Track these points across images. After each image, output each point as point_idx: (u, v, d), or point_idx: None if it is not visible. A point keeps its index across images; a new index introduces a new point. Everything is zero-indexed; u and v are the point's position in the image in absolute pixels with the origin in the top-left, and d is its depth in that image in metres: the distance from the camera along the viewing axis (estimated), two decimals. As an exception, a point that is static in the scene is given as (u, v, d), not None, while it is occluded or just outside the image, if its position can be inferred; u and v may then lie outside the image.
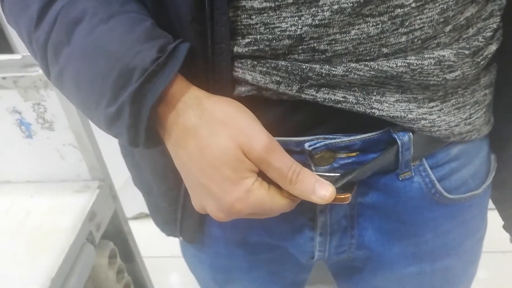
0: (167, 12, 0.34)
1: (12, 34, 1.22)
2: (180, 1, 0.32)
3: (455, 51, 0.34)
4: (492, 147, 0.44)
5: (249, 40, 0.33)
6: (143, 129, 0.32)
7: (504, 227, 0.49)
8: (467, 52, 0.34)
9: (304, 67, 0.33)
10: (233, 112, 0.33)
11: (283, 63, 0.33)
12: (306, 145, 0.36)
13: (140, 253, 0.89)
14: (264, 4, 0.31)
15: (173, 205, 0.45)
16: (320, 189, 0.34)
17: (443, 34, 0.34)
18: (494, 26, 0.36)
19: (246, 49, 0.33)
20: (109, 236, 0.78)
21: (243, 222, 0.40)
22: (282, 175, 0.33)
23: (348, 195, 0.35)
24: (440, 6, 0.32)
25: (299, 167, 0.34)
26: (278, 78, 0.34)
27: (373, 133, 0.36)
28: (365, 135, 0.36)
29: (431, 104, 0.36)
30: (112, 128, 0.34)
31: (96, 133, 0.71)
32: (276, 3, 0.31)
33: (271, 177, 0.34)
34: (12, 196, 0.74)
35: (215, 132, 0.32)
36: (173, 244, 0.57)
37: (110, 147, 0.73)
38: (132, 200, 1.05)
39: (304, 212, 0.42)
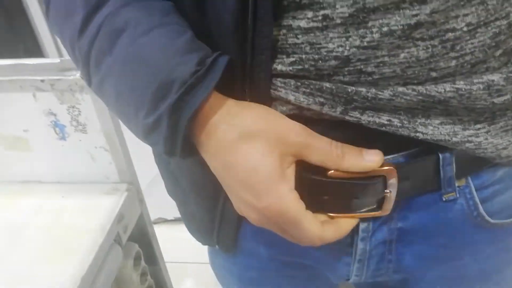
0: (208, 23, 0.34)
1: (44, 39, 1.26)
2: (223, 10, 0.32)
3: (505, 75, 0.33)
4: None
5: (294, 59, 0.33)
6: (180, 141, 0.32)
7: None
8: None
9: (349, 90, 0.32)
10: (262, 114, 0.34)
11: (327, 85, 0.33)
12: None
13: (163, 257, 0.90)
14: (311, 24, 0.31)
15: (211, 214, 0.45)
16: (369, 155, 0.34)
17: (493, 59, 0.33)
18: None
19: (291, 68, 0.33)
20: (134, 239, 0.79)
21: (278, 241, 0.39)
22: (328, 153, 0.33)
23: (391, 166, 0.35)
24: (493, 30, 0.32)
25: (339, 143, 0.34)
26: (322, 100, 0.33)
27: (415, 149, 0.36)
28: (407, 152, 0.36)
29: (478, 126, 0.35)
30: (149, 138, 0.35)
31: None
32: (324, 24, 0.31)
33: (317, 161, 0.33)
34: (43, 196, 0.75)
35: (247, 141, 0.32)
36: (189, 250, 0.58)
37: (133, 153, 0.74)
38: (152, 206, 1.07)
39: (342, 239, 0.40)
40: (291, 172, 0.34)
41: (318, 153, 0.33)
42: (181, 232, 0.56)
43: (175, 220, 1.54)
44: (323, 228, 0.35)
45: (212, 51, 0.33)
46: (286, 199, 0.33)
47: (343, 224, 0.36)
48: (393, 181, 0.35)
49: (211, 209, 0.45)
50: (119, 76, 0.34)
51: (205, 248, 0.55)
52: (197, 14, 0.35)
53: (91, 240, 0.65)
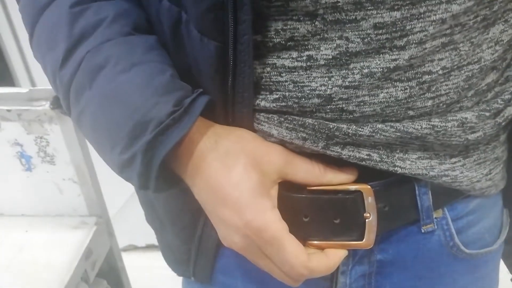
0: (189, 62, 0.35)
1: (16, 68, 1.22)
2: (203, 54, 0.33)
3: (477, 113, 0.35)
4: (504, 203, 0.45)
5: (277, 96, 0.33)
6: (153, 178, 0.33)
7: None
8: (487, 114, 0.36)
9: (331, 126, 0.33)
10: (246, 136, 0.35)
11: (310, 121, 0.33)
12: None
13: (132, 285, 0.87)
14: (296, 64, 0.32)
15: (187, 245, 0.44)
16: (347, 169, 0.36)
17: (466, 99, 0.35)
18: (511, 89, 0.37)
19: (274, 104, 0.34)
20: (103, 274, 0.76)
21: (255, 274, 0.39)
22: (310, 168, 0.35)
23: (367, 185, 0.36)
24: (466, 73, 0.33)
25: (318, 162, 0.35)
26: (304, 135, 0.34)
27: (392, 178, 0.36)
28: (384, 180, 0.36)
29: (453, 159, 0.37)
30: (123, 173, 0.35)
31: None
32: (308, 64, 0.32)
33: (300, 178, 0.35)
34: (5, 230, 0.72)
35: (231, 158, 0.33)
36: (159, 279, 0.56)
37: (103, 178, 0.72)
38: (122, 232, 1.03)
39: None
40: (274, 192, 0.34)
41: (301, 169, 0.35)
42: (151, 260, 0.54)
43: (146, 248, 1.50)
44: (309, 257, 0.34)
45: (193, 88, 0.34)
46: (268, 215, 0.33)
47: (332, 256, 0.36)
48: (370, 201, 0.36)
49: (188, 240, 0.44)
50: (97, 112, 0.34)
51: (174, 277, 0.54)
52: (177, 52, 0.35)
53: (56, 278, 0.62)
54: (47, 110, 0.63)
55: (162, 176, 0.34)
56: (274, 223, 0.33)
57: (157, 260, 0.52)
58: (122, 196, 1.45)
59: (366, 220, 0.36)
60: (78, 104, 0.35)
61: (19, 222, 0.73)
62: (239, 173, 0.33)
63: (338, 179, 0.36)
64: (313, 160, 0.35)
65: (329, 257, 0.36)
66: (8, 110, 0.65)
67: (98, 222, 0.71)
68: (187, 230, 0.44)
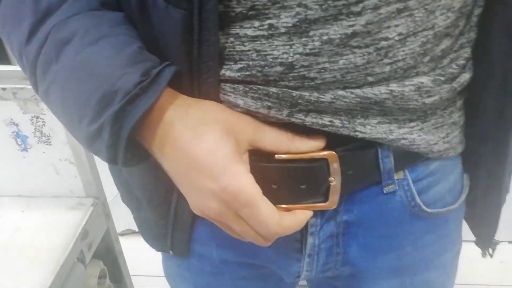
0: (155, 33, 0.35)
1: (10, 44, 1.20)
2: (168, 22, 0.33)
3: (432, 78, 0.37)
4: (465, 167, 0.47)
5: (241, 65, 0.34)
6: (122, 149, 0.33)
7: (476, 242, 0.52)
8: (442, 78, 0.37)
9: (294, 94, 0.34)
10: (215, 106, 0.35)
11: (274, 90, 0.34)
12: None
13: (129, 273, 0.87)
14: (258, 33, 0.33)
15: (163, 219, 0.45)
16: (314, 137, 0.36)
17: (422, 64, 0.36)
18: (465, 55, 0.39)
19: (239, 74, 0.35)
20: (99, 255, 0.76)
21: (229, 242, 0.41)
22: (279, 136, 0.36)
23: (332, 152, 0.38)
24: (421, 39, 0.35)
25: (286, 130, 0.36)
26: (269, 104, 0.35)
27: (356, 143, 0.38)
28: (348, 146, 0.38)
29: (412, 124, 0.38)
30: (92, 146, 0.35)
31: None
32: (269, 32, 0.33)
33: (269, 146, 0.35)
34: (1, 210, 0.71)
35: (203, 127, 0.33)
36: (156, 263, 0.57)
37: (98, 165, 0.71)
38: (120, 216, 1.04)
39: (291, 235, 0.42)
40: (246, 158, 0.35)
41: (270, 137, 0.36)
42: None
43: (144, 232, 1.51)
44: (281, 216, 0.36)
45: (161, 61, 0.34)
46: (243, 178, 0.33)
47: (300, 215, 0.38)
48: (335, 166, 0.37)
49: (164, 214, 0.45)
50: (65, 84, 0.34)
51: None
52: (144, 25, 0.36)
53: (52, 258, 0.61)
54: (43, 89, 0.63)
55: (131, 148, 0.34)
56: (249, 187, 0.34)
57: (154, 244, 0.52)
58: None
59: (331, 184, 0.38)
60: (45, 79, 0.35)
61: (15, 203, 0.72)
62: (213, 140, 0.33)
63: (306, 147, 0.36)
64: (282, 129, 0.36)
65: (297, 215, 0.38)
66: (3, 89, 0.64)
67: (94, 203, 0.71)
68: (162, 204, 0.44)
